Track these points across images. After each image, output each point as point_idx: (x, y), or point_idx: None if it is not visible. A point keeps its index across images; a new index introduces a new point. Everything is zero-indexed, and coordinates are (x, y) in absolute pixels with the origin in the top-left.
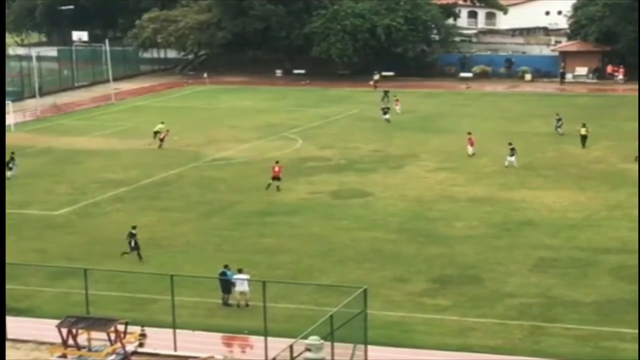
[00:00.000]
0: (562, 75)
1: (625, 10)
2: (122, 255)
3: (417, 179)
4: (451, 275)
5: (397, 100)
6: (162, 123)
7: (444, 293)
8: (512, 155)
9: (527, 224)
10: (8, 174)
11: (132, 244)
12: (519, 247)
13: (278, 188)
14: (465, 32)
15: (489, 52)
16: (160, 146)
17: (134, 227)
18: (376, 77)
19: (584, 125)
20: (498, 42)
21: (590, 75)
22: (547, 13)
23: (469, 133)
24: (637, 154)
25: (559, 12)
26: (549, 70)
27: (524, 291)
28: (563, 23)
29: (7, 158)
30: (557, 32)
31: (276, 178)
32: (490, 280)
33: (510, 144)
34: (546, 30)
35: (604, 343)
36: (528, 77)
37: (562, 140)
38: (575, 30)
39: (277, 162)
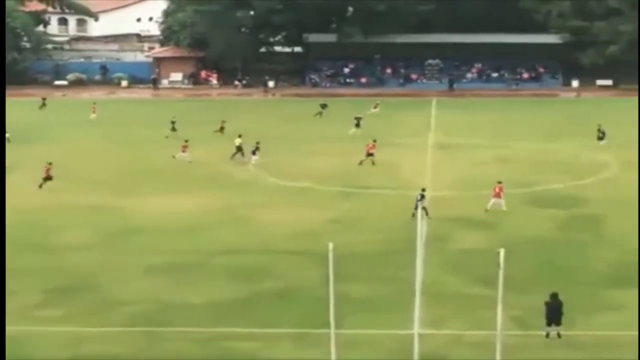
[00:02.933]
0: (155, 81)
1: (216, 17)
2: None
3: (21, 189)
4: (64, 285)
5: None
6: None
7: (57, 304)
8: (255, 153)
9: (140, 231)
10: None
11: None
12: (132, 253)
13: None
14: (57, 39)
15: (82, 60)
16: None
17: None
18: None
19: (239, 136)
20: (91, 49)
21: (186, 81)
22: (139, 20)
23: (186, 141)
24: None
25: (150, 19)
26: (145, 76)
27: (140, 297)
28: (155, 29)
29: None
30: (150, 38)
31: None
32: (105, 289)
33: (258, 142)
34: (139, 37)
35: (222, 343)
36: (124, 83)
37: (171, 145)
38: (168, 37)
39: (49, 164)
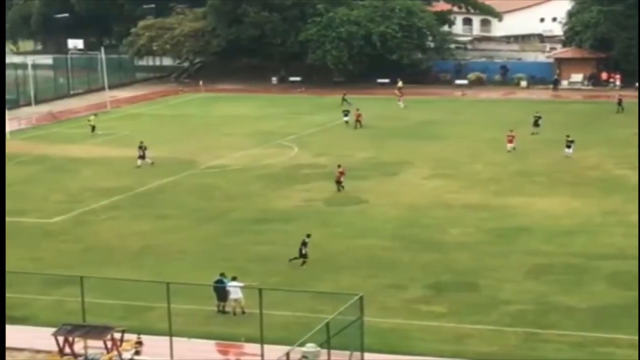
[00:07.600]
0: (556, 82)
1: (620, 17)
2: (289, 261)
3: (411, 186)
4: (446, 281)
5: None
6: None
7: (440, 300)
8: (569, 147)
9: (521, 230)
10: None
11: (302, 251)
12: (513, 253)
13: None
14: (460, 39)
15: (484, 59)
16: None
17: (308, 236)
18: (400, 84)
19: None
20: (493, 49)
21: (585, 82)
22: (542, 20)
23: (511, 130)
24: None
25: (554, 19)
26: (544, 76)
27: (519, 297)
28: (558, 30)
29: None
30: (551, 38)
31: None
32: (485, 287)
33: (568, 136)
34: (541, 37)
35: (600, 349)
36: (523, 83)
37: (555, 146)
38: (570, 37)
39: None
